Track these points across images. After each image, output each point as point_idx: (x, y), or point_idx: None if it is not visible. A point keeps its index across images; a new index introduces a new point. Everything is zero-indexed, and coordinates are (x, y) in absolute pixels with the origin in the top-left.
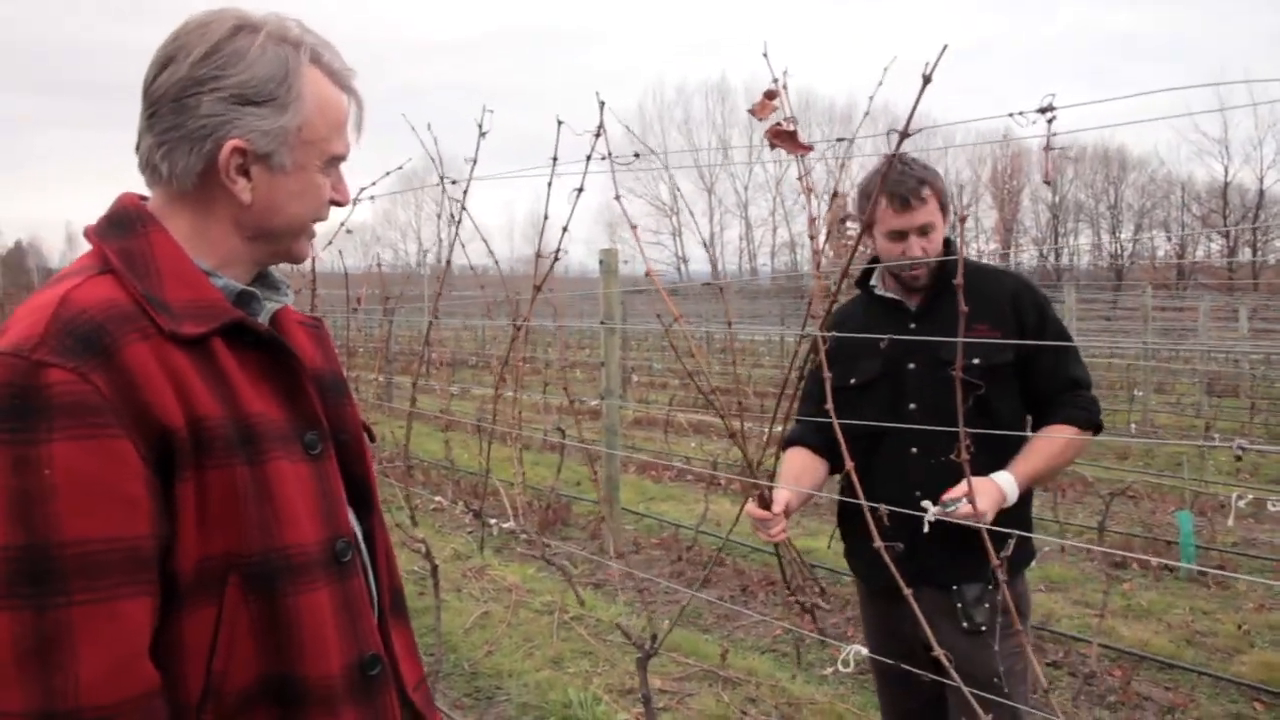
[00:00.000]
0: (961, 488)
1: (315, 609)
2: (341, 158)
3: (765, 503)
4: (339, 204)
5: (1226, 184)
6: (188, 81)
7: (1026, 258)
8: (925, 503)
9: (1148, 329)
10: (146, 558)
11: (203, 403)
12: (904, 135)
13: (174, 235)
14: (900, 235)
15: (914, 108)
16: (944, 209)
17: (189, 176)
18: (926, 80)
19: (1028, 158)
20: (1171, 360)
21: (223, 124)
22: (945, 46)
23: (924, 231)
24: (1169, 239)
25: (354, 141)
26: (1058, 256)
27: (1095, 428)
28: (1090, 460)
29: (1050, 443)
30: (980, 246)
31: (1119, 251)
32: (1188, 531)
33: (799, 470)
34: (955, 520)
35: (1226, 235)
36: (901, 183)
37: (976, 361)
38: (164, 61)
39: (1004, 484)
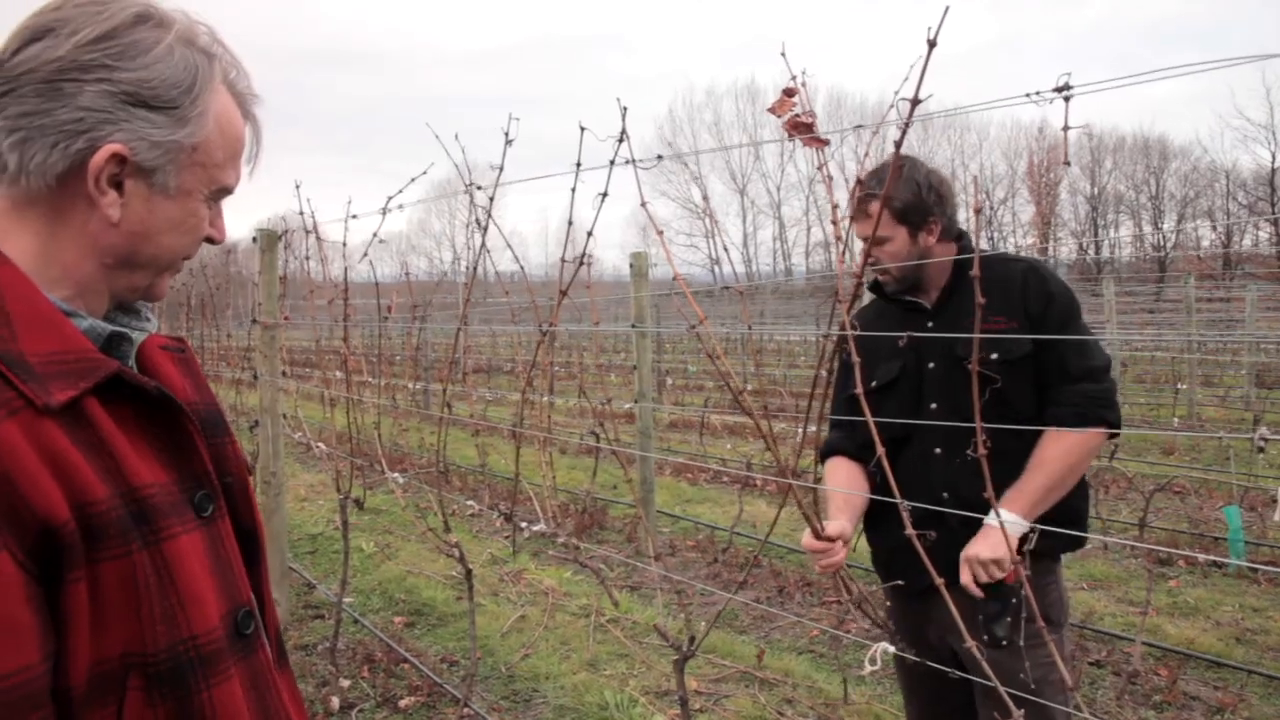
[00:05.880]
0: (965, 572)
1: (230, 702)
2: (230, 191)
3: (819, 533)
4: (213, 241)
5: (1274, 170)
6: (68, 64)
7: (1065, 251)
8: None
9: (1191, 320)
10: (39, 690)
11: (89, 485)
12: (915, 103)
13: (15, 258)
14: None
15: (923, 71)
16: (906, 222)
17: (45, 175)
18: (932, 45)
19: (1064, 151)
20: (1218, 352)
21: (104, 122)
22: (947, 9)
23: (876, 242)
24: (1214, 228)
25: (246, 175)
26: (1098, 250)
27: (1096, 421)
28: (1134, 456)
29: (1042, 458)
30: (1018, 241)
31: (1161, 243)
32: (1236, 526)
33: (845, 488)
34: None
35: (1275, 223)
36: (855, 192)
37: (995, 357)
38: (36, 34)
39: (1009, 524)
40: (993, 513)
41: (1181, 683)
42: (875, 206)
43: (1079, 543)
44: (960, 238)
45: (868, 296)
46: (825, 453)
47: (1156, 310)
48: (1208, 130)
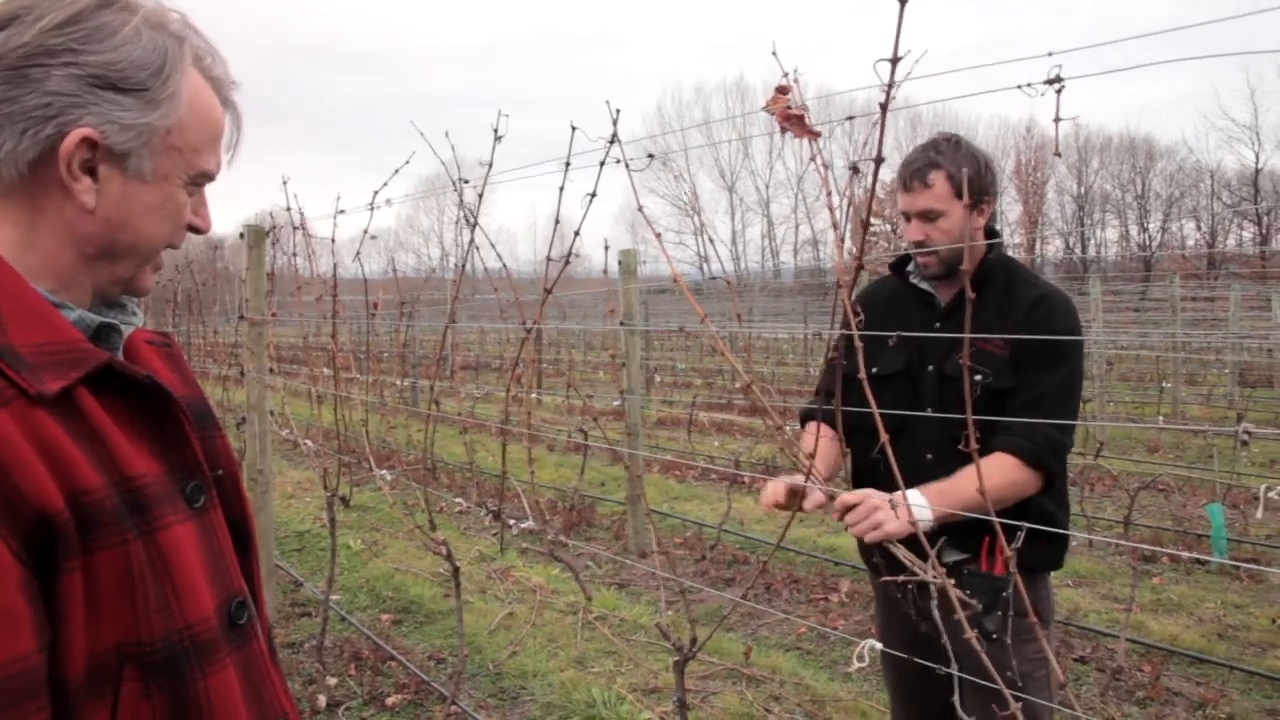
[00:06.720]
0: (855, 495)
1: (225, 692)
2: (210, 176)
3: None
4: (198, 230)
5: (1258, 170)
6: (34, 49)
7: (1052, 250)
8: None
9: (1176, 319)
10: (36, 680)
11: (83, 475)
12: (895, 61)
13: None
14: (906, 216)
15: (899, 27)
16: (965, 196)
17: (16, 164)
18: (903, 1)
19: (1052, 149)
20: (1202, 351)
21: (72, 107)
22: None
23: (926, 217)
24: (1199, 228)
25: (226, 162)
26: (1084, 248)
27: (1044, 467)
28: (1119, 454)
29: (974, 475)
30: (1004, 239)
31: (1147, 242)
32: (1219, 524)
33: (823, 448)
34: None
35: (1258, 222)
36: (911, 162)
37: (978, 378)
38: (0, 23)
39: (916, 509)
40: (906, 491)
41: (1164, 679)
42: (939, 178)
43: (1059, 563)
44: (991, 234)
45: (863, 289)
46: (805, 416)
47: (1142, 309)
48: (1193, 130)
